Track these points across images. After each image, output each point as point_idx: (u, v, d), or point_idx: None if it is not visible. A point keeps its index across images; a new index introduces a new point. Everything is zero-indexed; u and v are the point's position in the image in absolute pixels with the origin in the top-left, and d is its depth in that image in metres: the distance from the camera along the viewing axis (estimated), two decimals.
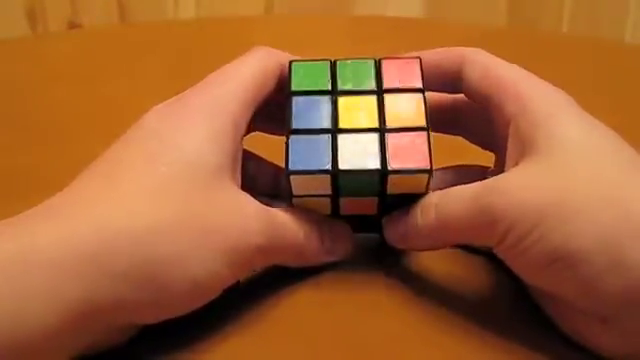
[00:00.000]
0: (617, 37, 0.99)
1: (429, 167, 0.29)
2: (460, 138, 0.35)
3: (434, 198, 0.30)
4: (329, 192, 0.31)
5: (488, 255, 0.34)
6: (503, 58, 0.32)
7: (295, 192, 0.31)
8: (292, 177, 0.30)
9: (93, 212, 0.25)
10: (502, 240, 0.27)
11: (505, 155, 0.30)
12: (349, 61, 0.32)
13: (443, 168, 0.34)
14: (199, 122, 0.28)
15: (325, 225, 0.31)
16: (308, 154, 0.29)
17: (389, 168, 0.29)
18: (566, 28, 1.00)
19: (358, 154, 0.29)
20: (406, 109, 0.30)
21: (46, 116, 0.47)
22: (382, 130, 0.30)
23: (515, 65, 0.31)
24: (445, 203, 0.29)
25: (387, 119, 0.30)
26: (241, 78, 0.30)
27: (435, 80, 0.32)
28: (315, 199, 0.31)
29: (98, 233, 0.25)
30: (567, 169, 0.27)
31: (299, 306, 0.31)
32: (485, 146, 0.34)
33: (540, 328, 0.30)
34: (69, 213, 0.25)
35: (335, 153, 0.29)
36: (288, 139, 0.30)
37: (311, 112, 0.30)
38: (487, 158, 0.34)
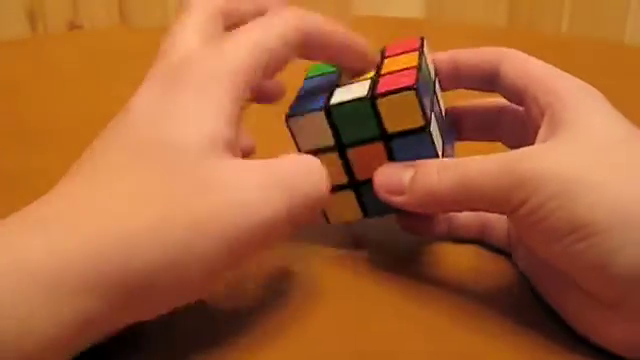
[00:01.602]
0: (617, 37, 0.99)
1: (413, 84, 0.29)
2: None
3: (450, 161, 0.30)
4: (332, 142, 0.31)
5: (495, 251, 0.34)
6: None
7: (301, 146, 0.31)
8: (291, 121, 0.30)
9: (80, 222, 0.25)
10: (522, 204, 0.27)
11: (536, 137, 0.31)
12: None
13: None
14: (190, 100, 0.27)
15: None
16: (307, 103, 0.31)
17: (376, 92, 0.30)
18: (566, 28, 1.00)
19: (349, 93, 0.30)
20: (401, 62, 0.32)
21: (46, 116, 0.47)
22: (375, 77, 0.31)
23: (546, 63, 0.32)
24: (466, 164, 0.29)
25: (381, 71, 0.32)
26: (254, 38, 0.29)
27: (473, 79, 0.34)
28: (324, 156, 0.31)
29: (86, 245, 0.24)
30: (592, 149, 0.28)
31: (300, 303, 0.31)
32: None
33: (545, 324, 0.30)
34: (57, 224, 0.25)
35: (329, 97, 0.31)
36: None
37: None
38: None
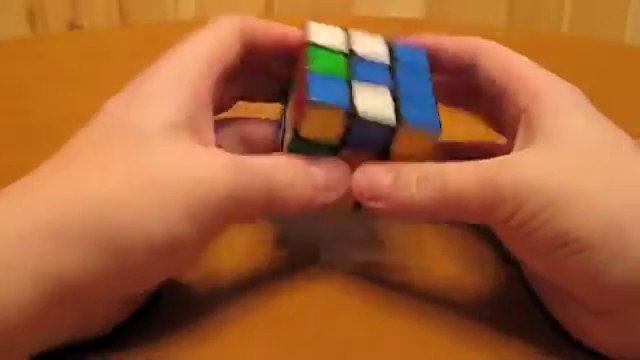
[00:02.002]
0: (617, 37, 0.99)
1: (440, 129, 0.29)
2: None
3: (431, 169, 0.29)
4: (335, 142, 0.30)
5: (492, 250, 0.34)
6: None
7: (304, 132, 0.30)
8: (310, 106, 0.29)
9: (46, 189, 0.26)
10: (509, 219, 0.27)
11: (514, 143, 0.30)
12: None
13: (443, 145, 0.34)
14: (152, 95, 0.28)
15: (315, 163, 0.30)
16: (329, 90, 0.29)
17: (405, 123, 0.29)
18: (566, 28, 1.00)
19: (375, 103, 0.29)
20: (416, 82, 0.31)
21: (46, 116, 0.47)
22: (394, 92, 0.30)
23: (526, 58, 0.31)
24: (447, 176, 0.28)
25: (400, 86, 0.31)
26: (201, 41, 0.30)
27: (451, 67, 0.33)
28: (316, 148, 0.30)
29: (52, 208, 0.25)
30: (574, 157, 0.27)
31: (292, 305, 0.31)
32: (499, 130, 0.34)
33: (541, 327, 0.30)
34: (24, 191, 0.26)
35: (352, 97, 0.29)
36: (305, 76, 0.30)
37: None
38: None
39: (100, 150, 0.27)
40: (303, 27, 0.32)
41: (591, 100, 0.29)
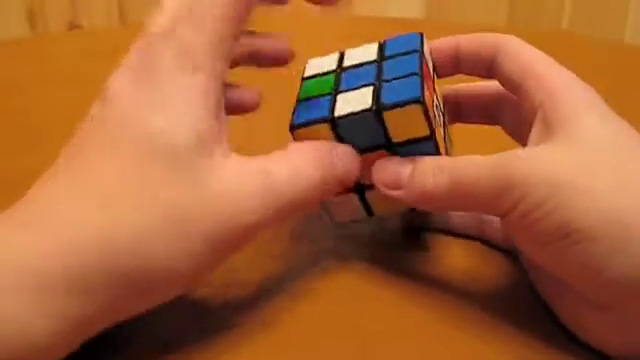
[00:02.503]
0: (617, 37, 0.99)
1: (419, 96, 0.29)
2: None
3: (447, 161, 0.30)
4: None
5: (497, 250, 0.34)
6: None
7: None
8: (295, 134, 0.30)
9: (71, 221, 0.25)
10: (513, 208, 0.27)
11: (528, 138, 0.30)
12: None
13: None
14: (171, 91, 0.26)
15: (329, 155, 0.30)
16: (310, 110, 0.31)
17: (382, 104, 0.29)
18: (566, 28, 1.00)
19: (354, 102, 0.30)
20: (403, 67, 0.31)
21: (46, 116, 0.47)
22: (377, 83, 0.31)
23: (544, 54, 0.31)
24: (460, 166, 0.29)
25: (383, 75, 0.31)
26: (209, 16, 0.27)
27: (472, 65, 0.33)
28: None
29: (75, 243, 0.24)
30: (585, 153, 0.27)
31: (304, 302, 0.31)
32: (519, 139, 0.34)
33: (545, 324, 0.30)
34: (47, 224, 0.25)
35: (333, 107, 0.30)
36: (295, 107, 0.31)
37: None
38: None
39: (117, 172, 0.25)
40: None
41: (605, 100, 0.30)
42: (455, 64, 0.34)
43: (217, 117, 0.27)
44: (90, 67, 0.55)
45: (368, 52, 0.33)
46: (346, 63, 0.33)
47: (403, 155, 0.31)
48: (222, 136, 0.27)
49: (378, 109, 0.29)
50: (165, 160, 0.25)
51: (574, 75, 0.30)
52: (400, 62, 0.32)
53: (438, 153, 0.31)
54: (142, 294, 0.26)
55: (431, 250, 0.34)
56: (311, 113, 0.31)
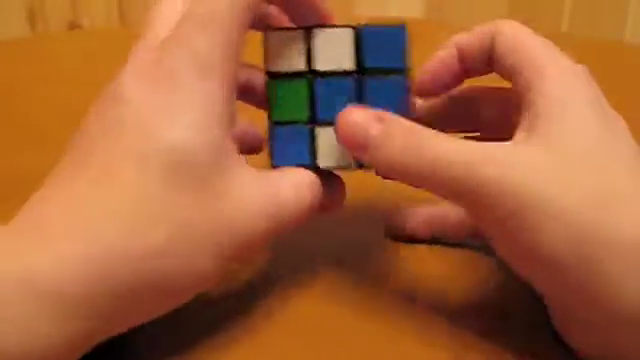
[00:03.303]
0: (617, 37, 0.99)
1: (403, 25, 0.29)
2: None
3: (420, 135, 0.28)
4: (303, 66, 0.30)
5: (491, 255, 0.34)
6: None
7: (270, 66, 0.30)
8: (268, 34, 0.30)
9: (88, 232, 0.24)
10: (481, 215, 0.27)
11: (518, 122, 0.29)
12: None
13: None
14: (189, 98, 0.25)
15: (320, 182, 0.30)
16: (290, 149, 0.30)
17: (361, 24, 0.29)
18: (566, 28, 1.00)
19: (337, 151, 0.30)
20: (386, 93, 0.30)
21: (46, 116, 0.47)
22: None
23: (542, 38, 0.30)
24: (433, 147, 0.27)
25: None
26: (222, 20, 0.26)
27: (476, 61, 0.31)
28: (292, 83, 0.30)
29: (89, 264, 0.24)
30: (561, 158, 0.26)
31: (295, 309, 0.31)
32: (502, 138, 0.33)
33: (540, 329, 0.30)
34: (62, 233, 0.24)
35: (313, 147, 0.30)
36: (270, 129, 0.30)
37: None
38: None
39: (138, 179, 0.25)
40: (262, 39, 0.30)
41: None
42: (462, 73, 0.32)
43: (233, 124, 0.27)
44: (90, 67, 0.55)
45: (342, 47, 0.30)
46: (318, 65, 0.30)
47: (370, 94, 0.30)
48: (235, 144, 0.27)
49: (357, 26, 0.29)
50: (184, 176, 0.25)
51: (568, 59, 0.29)
52: (384, 89, 0.30)
53: (408, 101, 0.30)
54: (147, 308, 0.26)
55: (419, 256, 0.34)
56: (292, 155, 0.30)
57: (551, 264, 0.25)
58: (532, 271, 0.27)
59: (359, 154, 0.29)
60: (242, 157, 0.27)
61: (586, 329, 0.27)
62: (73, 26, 0.97)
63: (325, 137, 0.30)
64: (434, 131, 0.28)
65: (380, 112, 0.29)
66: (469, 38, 0.31)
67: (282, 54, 0.30)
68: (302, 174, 0.29)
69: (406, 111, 0.29)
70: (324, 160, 0.30)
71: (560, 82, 0.28)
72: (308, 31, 0.30)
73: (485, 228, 0.28)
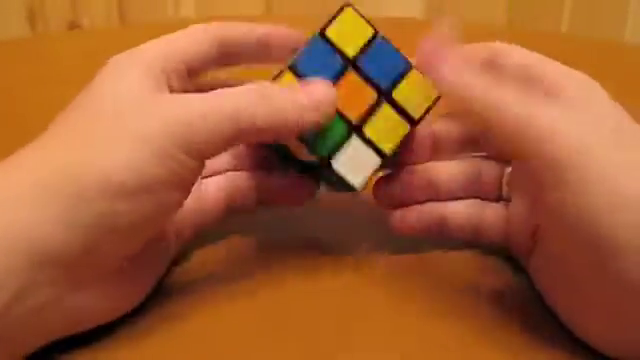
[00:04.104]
0: (617, 37, 0.99)
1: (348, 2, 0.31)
2: None
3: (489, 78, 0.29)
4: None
5: (495, 254, 0.34)
6: None
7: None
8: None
9: (21, 160, 0.28)
10: (536, 168, 0.27)
11: None
12: None
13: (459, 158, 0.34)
14: (113, 75, 0.30)
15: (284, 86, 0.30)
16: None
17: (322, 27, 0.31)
18: (566, 28, 1.00)
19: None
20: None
21: (46, 116, 0.47)
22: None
23: (541, 55, 0.31)
24: (488, 90, 0.29)
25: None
26: (165, 37, 0.31)
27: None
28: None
29: (24, 174, 0.26)
30: (597, 122, 0.28)
31: (294, 306, 0.31)
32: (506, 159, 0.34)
33: (546, 328, 0.30)
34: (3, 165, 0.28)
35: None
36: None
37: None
38: None
39: (65, 122, 0.30)
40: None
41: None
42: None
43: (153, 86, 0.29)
44: (90, 67, 0.55)
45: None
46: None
47: (370, 70, 0.31)
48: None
49: (321, 31, 0.31)
50: (107, 105, 0.28)
51: (584, 75, 0.30)
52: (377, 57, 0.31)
53: (402, 56, 0.31)
54: (91, 207, 0.26)
55: (427, 256, 0.34)
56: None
57: (610, 254, 0.26)
58: (560, 225, 0.27)
59: (437, 64, 0.30)
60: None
61: (599, 309, 0.27)
62: (73, 26, 0.97)
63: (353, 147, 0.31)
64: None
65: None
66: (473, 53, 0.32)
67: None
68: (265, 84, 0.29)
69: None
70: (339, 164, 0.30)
71: (575, 86, 0.29)
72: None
73: (529, 177, 0.28)
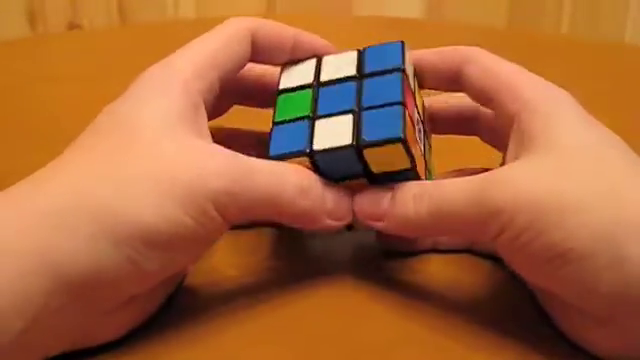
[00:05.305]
0: (617, 37, 0.99)
1: (399, 136, 0.29)
2: (469, 141, 0.35)
3: (427, 187, 0.29)
4: (311, 80, 0.31)
5: (492, 259, 0.34)
6: (503, 58, 0.32)
7: (281, 86, 0.32)
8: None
9: (44, 186, 0.27)
10: (500, 234, 0.27)
11: (506, 152, 0.30)
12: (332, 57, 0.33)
13: (446, 172, 0.34)
14: (149, 94, 0.29)
15: (323, 184, 0.30)
16: (288, 139, 0.30)
17: (362, 140, 0.29)
18: (566, 28, 1.00)
19: (333, 134, 0.30)
20: (384, 92, 0.31)
21: (46, 116, 0.47)
22: (357, 110, 0.30)
23: (514, 64, 0.31)
24: (440, 192, 0.29)
25: (362, 102, 0.31)
26: (199, 45, 0.31)
27: (435, 79, 0.33)
28: None
29: (49, 199, 0.26)
30: (565, 166, 0.27)
31: (297, 311, 0.31)
32: (498, 147, 0.34)
33: (543, 331, 0.30)
34: (25, 187, 0.27)
35: (311, 136, 0.30)
36: (271, 129, 0.31)
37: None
38: (490, 161, 0.34)
39: (97, 147, 0.28)
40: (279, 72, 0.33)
41: (591, 100, 0.29)
42: (420, 80, 0.33)
43: (185, 115, 0.29)
44: (90, 67, 0.55)
45: (347, 63, 0.32)
46: (323, 77, 0.32)
47: (382, 180, 0.30)
48: (198, 127, 0.29)
49: (358, 146, 0.29)
50: (134, 140, 0.28)
51: (547, 82, 0.30)
52: (382, 84, 0.31)
53: (418, 178, 0.30)
54: (118, 250, 0.26)
55: (417, 260, 0.34)
56: (289, 143, 0.30)
57: (575, 258, 0.25)
58: (552, 273, 0.27)
59: (377, 225, 0.30)
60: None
61: (607, 328, 0.27)
62: (73, 26, 0.97)
63: (322, 125, 0.30)
64: (438, 180, 0.30)
65: (386, 186, 0.30)
66: (432, 57, 0.33)
67: (292, 76, 0.33)
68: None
69: (402, 100, 0.30)
70: (320, 144, 0.30)
71: (544, 100, 0.29)
72: (319, 58, 0.33)
73: (505, 247, 0.28)
